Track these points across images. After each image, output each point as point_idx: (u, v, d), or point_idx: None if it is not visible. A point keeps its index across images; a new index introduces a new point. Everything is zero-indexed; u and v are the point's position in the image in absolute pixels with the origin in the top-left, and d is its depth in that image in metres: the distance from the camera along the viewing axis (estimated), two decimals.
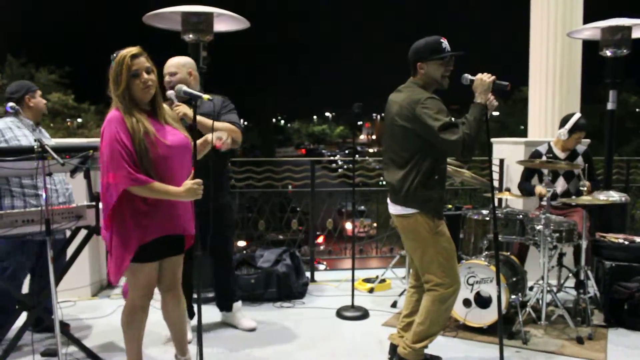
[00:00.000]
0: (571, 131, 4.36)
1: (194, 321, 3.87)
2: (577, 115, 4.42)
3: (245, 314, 4.01)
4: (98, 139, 2.65)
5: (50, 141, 3.64)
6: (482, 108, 2.77)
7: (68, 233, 3.37)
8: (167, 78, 3.47)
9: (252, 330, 3.86)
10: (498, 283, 2.70)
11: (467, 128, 2.72)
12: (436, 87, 2.96)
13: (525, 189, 4.51)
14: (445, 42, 2.89)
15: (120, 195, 2.44)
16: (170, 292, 2.86)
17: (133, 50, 2.55)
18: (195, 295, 3.81)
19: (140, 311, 2.73)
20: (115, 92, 2.54)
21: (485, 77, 2.77)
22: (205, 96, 2.57)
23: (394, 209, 3.00)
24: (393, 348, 3.26)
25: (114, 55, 2.57)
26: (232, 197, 3.47)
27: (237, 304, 3.94)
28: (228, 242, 3.82)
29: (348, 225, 6.90)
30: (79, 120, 25.02)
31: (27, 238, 3.21)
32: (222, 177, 3.65)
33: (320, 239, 7.22)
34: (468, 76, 2.83)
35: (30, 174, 3.23)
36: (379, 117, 79.12)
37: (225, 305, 3.93)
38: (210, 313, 4.04)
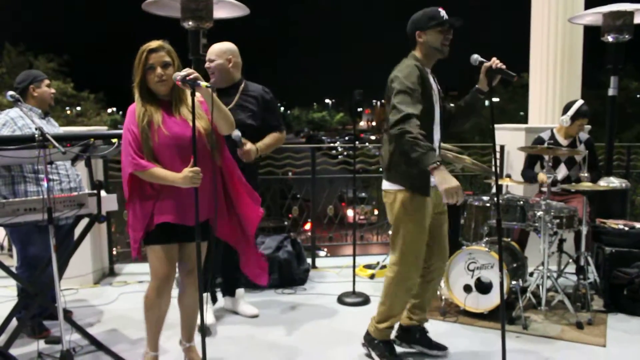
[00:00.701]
0: (574, 118, 4.36)
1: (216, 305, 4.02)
2: (580, 102, 4.42)
3: (248, 301, 4.04)
4: (99, 128, 2.72)
5: (58, 130, 3.66)
6: (426, 168, 2.65)
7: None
8: (207, 64, 3.62)
9: (255, 316, 3.89)
10: (501, 270, 2.71)
11: (412, 142, 2.63)
12: (438, 56, 2.94)
13: (528, 176, 4.51)
14: (443, 12, 2.87)
15: (132, 179, 2.64)
16: (189, 277, 2.90)
17: (152, 44, 2.68)
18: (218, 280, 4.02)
19: (156, 297, 2.76)
20: (134, 83, 2.71)
21: (496, 61, 2.74)
22: (204, 83, 2.55)
23: (383, 184, 3.03)
24: (406, 330, 3.27)
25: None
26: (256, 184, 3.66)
27: (240, 291, 3.97)
28: None
29: (349, 213, 6.92)
30: (78, 108, 24.98)
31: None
32: (252, 165, 3.70)
33: (307, 226, 7.26)
34: (478, 57, 2.80)
35: (32, 163, 3.23)
36: (378, 103, 78.98)
37: (229, 291, 3.98)
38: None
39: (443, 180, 2.57)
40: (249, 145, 3.46)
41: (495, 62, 2.76)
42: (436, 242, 3.07)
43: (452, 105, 3.14)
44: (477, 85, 2.97)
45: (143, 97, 2.69)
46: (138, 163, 2.59)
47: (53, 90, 3.66)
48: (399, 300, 3.04)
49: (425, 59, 2.92)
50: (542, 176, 4.26)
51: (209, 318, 3.68)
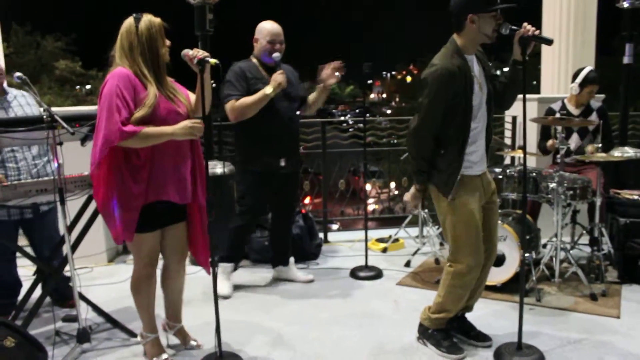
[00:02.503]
0: (582, 85, 4.28)
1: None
2: (588, 68, 4.33)
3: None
4: None
5: (19, 104, 3.41)
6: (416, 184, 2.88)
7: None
8: (278, 46, 3.67)
9: (310, 282, 4.09)
10: (523, 247, 2.69)
11: (417, 145, 2.77)
12: (483, 42, 2.70)
13: (541, 148, 4.46)
14: None
15: (115, 153, 2.50)
16: (173, 258, 2.90)
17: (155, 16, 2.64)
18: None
19: (146, 279, 2.80)
20: (148, 52, 2.58)
21: (528, 27, 2.57)
22: (212, 60, 2.62)
23: None
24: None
25: (138, 15, 2.61)
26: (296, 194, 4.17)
27: (292, 259, 4.15)
28: (297, 200, 4.28)
29: (368, 187, 6.88)
30: (88, 87, 25.01)
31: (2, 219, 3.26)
32: (298, 175, 4.00)
33: (307, 200, 7.28)
34: (508, 25, 2.62)
35: (42, 144, 3.22)
36: (389, 75, 78.30)
37: (282, 260, 4.12)
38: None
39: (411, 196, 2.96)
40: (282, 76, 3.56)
41: (527, 28, 2.58)
42: (485, 228, 2.89)
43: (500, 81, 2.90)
44: (512, 57, 2.70)
45: (155, 69, 2.61)
46: (126, 130, 2.43)
47: None
48: (453, 295, 2.88)
49: (470, 45, 2.70)
50: (550, 142, 4.23)
51: (225, 288, 3.82)
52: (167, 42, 2.67)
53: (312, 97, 3.90)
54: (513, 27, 2.61)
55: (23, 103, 3.41)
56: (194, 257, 2.96)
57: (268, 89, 3.49)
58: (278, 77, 3.52)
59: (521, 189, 3.92)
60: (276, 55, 3.62)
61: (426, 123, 2.71)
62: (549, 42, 2.66)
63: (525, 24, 2.59)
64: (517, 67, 2.71)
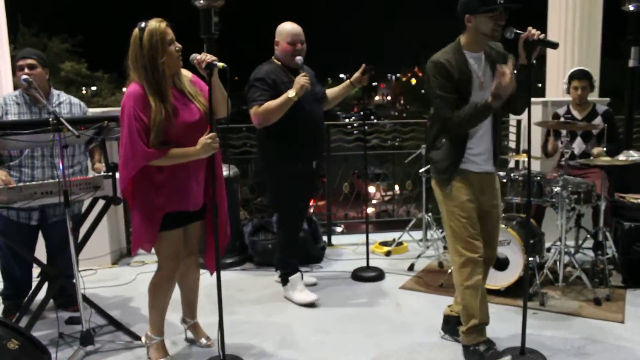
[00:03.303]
0: (568, 83, 4.34)
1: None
2: (576, 68, 4.43)
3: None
4: (112, 109, 2.72)
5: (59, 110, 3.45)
6: (487, 106, 2.63)
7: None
8: (299, 46, 3.60)
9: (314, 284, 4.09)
10: (527, 252, 2.69)
11: (463, 115, 2.66)
12: (485, 41, 2.74)
13: (544, 150, 4.46)
14: None
15: (139, 171, 2.57)
16: (191, 256, 2.97)
17: (162, 20, 2.60)
18: None
19: (168, 280, 2.85)
20: (149, 64, 2.56)
21: (533, 31, 2.55)
22: (220, 64, 2.63)
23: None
24: (446, 320, 3.18)
25: (143, 25, 2.57)
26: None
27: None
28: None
29: (371, 189, 6.87)
30: (93, 88, 25.14)
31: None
32: (319, 176, 4.02)
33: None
34: (513, 30, 2.60)
35: (48, 146, 3.23)
36: (394, 77, 78.17)
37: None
38: (226, 276, 4.10)
39: (501, 89, 2.55)
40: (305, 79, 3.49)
41: (531, 32, 2.55)
42: (483, 232, 2.86)
43: None
44: (519, 61, 2.66)
45: (159, 81, 2.57)
46: (153, 153, 2.54)
47: (26, 71, 3.24)
48: (471, 301, 2.81)
49: (474, 44, 2.74)
50: (550, 144, 4.29)
51: (307, 296, 3.74)
52: (178, 46, 2.63)
53: (332, 93, 3.92)
54: (517, 31, 2.59)
55: (65, 112, 3.44)
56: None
57: (291, 93, 3.43)
58: (301, 79, 3.44)
59: (525, 193, 3.91)
60: (299, 58, 3.56)
61: (445, 103, 2.71)
62: (555, 45, 2.64)
63: (529, 28, 2.56)
64: (524, 71, 2.68)
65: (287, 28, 3.62)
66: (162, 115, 2.55)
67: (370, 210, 6.98)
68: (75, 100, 3.58)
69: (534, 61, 2.65)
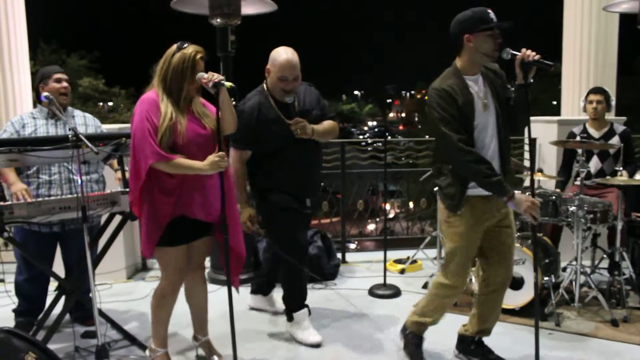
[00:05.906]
0: (585, 99, 4.37)
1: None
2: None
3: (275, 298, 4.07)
4: (129, 125, 2.76)
5: (76, 124, 3.56)
6: (497, 189, 2.67)
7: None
8: (292, 84, 3.24)
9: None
10: (535, 270, 2.67)
11: (472, 167, 2.65)
12: (486, 62, 2.74)
13: (558, 182, 4.46)
14: (492, 14, 2.64)
15: (148, 172, 2.61)
16: (197, 272, 3.01)
17: (200, 50, 2.70)
18: None
19: (171, 295, 2.88)
20: (170, 82, 2.67)
21: (528, 52, 2.57)
22: (227, 84, 2.67)
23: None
24: (460, 339, 3.19)
25: (182, 45, 2.69)
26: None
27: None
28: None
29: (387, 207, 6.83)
30: (110, 103, 25.47)
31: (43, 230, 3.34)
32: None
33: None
34: (510, 51, 2.64)
35: (66, 162, 3.28)
36: (408, 94, 78.27)
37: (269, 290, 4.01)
38: (241, 293, 4.11)
39: (520, 203, 2.62)
40: (306, 126, 3.23)
41: (526, 53, 2.58)
42: (495, 252, 2.90)
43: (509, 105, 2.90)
44: (516, 81, 2.70)
45: (173, 97, 2.69)
46: (162, 153, 2.59)
47: (64, 84, 3.45)
48: (434, 302, 3.00)
49: (472, 66, 2.74)
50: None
51: (312, 336, 3.44)
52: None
53: (322, 129, 3.40)
54: (514, 52, 2.64)
55: (80, 123, 3.58)
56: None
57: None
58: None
59: (540, 212, 3.87)
60: (288, 99, 3.23)
61: (450, 136, 2.67)
62: (550, 66, 2.64)
63: (524, 49, 2.61)
64: (521, 90, 2.71)
65: (280, 60, 3.19)
66: (171, 121, 2.63)
67: (372, 227, 6.97)
68: (87, 114, 3.75)
69: (531, 80, 2.69)
